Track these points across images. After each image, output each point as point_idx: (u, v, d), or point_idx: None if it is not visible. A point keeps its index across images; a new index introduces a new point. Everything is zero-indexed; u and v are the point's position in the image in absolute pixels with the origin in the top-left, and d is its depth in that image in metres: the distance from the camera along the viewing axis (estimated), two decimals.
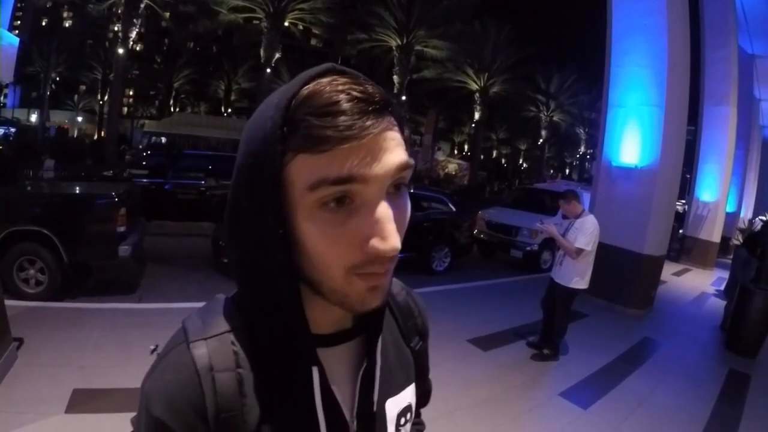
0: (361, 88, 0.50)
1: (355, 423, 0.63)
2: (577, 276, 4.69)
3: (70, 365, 3.49)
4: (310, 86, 0.51)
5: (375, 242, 0.49)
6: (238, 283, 0.61)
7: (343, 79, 0.51)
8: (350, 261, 0.50)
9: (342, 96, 0.49)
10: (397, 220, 0.52)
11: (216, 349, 0.56)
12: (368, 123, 0.49)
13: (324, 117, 0.48)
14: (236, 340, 0.58)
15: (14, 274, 4.73)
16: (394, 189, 0.52)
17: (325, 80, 0.51)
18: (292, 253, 0.53)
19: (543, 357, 4.84)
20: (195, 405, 0.54)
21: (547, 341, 4.97)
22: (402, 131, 0.54)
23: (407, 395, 0.72)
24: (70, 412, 2.91)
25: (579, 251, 4.54)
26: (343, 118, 0.48)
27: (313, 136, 0.48)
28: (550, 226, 4.81)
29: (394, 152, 0.51)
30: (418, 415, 0.90)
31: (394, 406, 0.69)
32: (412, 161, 0.53)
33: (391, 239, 0.49)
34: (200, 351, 0.56)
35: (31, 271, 4.81)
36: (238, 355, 0.57)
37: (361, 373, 0.63)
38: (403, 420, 0.70)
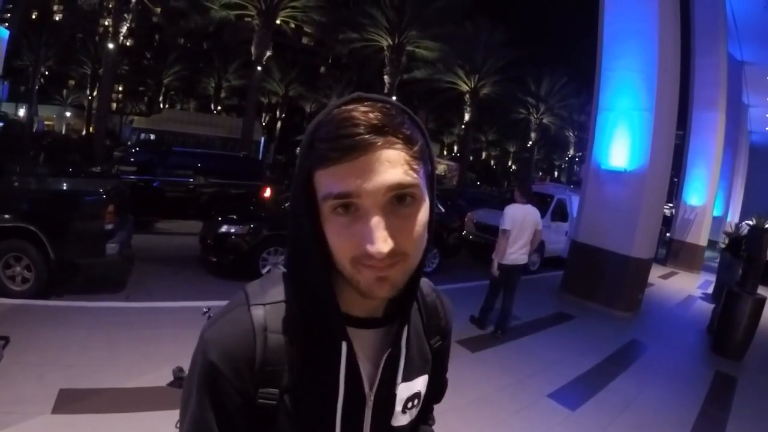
0: (369, 115, 0.59)
1: (372, 398, 0.73)
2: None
3: (57, 364, 3.45)
4: (334, 112, 0.61)
5: (367, 245, 0.59)
6: (288, 267, 0.74)
7: (363, 108, 0.60)
8: (353, 254, 0.61)
9: (347, 122, 0.59)
10: (398, 226, 0.61)
11: (271, 313, 0.69)
12: (364, 146, 0.58)
13: (330, 141, 0.59)
14: (287, 309, 0.70)
15: (0, 272, 4.65)
16: (397, 201, 0.60)
17: (348, 107, 0.61)
18: (326, 246, 0.64)
19: (472, 319, 5.64)
20: (247, 355, 0.66)
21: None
22: (411, 147, 0.62)
23: (419, 384, 0.81)
24: (57, 412, 2.86)
25: (503, 232, 5.25)
26: (343, 141, 0.58)
27: (321, 156, 0.60)
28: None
29: (388, 173, 0.59)
30: (430, 410, 1.03)
31: (405, 390, 0.78)
32: (409, 180, 0.60)
33: (378, 244, 0.58)
34: (258, 312, 0.68)
35: (18, 268, 4.73)
36: (287, 322, 0.69)
37: (385, 357, 0.73)
38: (410, 404, 0.80)
